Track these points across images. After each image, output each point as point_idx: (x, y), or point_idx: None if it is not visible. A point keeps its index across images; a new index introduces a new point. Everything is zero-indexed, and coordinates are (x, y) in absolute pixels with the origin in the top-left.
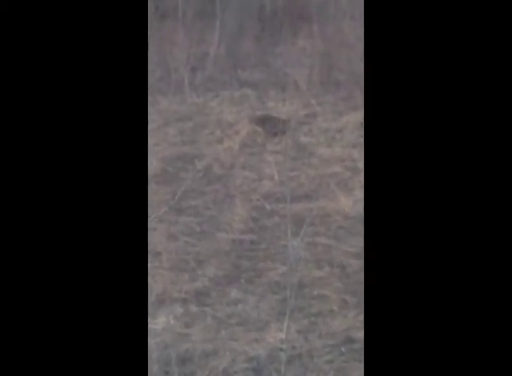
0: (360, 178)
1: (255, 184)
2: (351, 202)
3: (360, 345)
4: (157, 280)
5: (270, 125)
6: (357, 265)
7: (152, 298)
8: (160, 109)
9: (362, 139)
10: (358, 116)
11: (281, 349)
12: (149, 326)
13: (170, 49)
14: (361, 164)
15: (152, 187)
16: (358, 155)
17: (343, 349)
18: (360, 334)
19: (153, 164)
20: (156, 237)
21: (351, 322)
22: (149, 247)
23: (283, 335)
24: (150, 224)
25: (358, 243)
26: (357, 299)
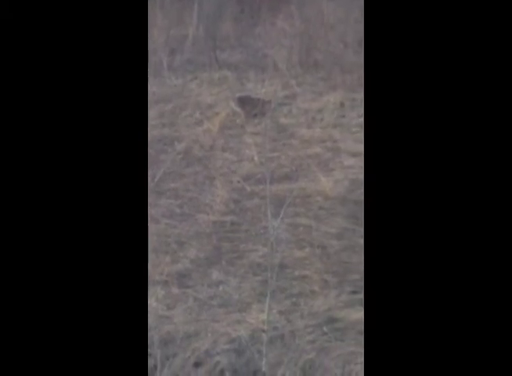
0: (340, 158)
1: (235, 166)
2: (332, 183)
3: (342, 325)
4: None
5: (250, 107)
6: (337, 245)
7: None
8: None
9: (343, 120)
10: (338, 96)
11: (263, 330)
12: None
13: (148, 31)
14: (342, 145)
15: None
16: (339, 136)
17: (325, 329)
18: (342, 314)
19: None
20: None
21: (333, 302)
22: None
23: (264, 316)
24: None
25: (338, 223)
26: (338, 279)
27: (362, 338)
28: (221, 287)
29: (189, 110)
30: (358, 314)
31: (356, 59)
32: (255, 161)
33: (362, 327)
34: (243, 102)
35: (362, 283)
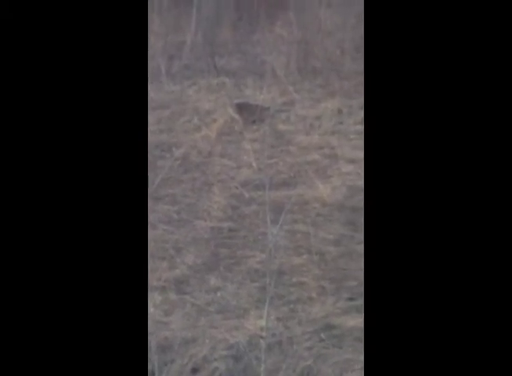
0: (338, 165)
1: (233, 172)
2: (329, 189)
3: (339, 332)
4: None
5: (248, 113)
6: (335, 251)
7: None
8: None
9: (340, 126)
10: (336, 102)
11: (261, 337)
12: None
13: None
14: (340, 151)
15: None
16: (337, 142)
17: (322, 336)
18: (339, 321)
19: None
20: None
21: (330, 308)
22: None
23: (262, 322)
24: None
25: (335, 230)
26: (335, 286)
27: (359, 345)
28: (218, 294)
29: (187, 116)
30: (355, 321)
31: (354, 65)
32: (253, 168)
33: (359, 333)
34: (242, 108)
35: (358, 290)
